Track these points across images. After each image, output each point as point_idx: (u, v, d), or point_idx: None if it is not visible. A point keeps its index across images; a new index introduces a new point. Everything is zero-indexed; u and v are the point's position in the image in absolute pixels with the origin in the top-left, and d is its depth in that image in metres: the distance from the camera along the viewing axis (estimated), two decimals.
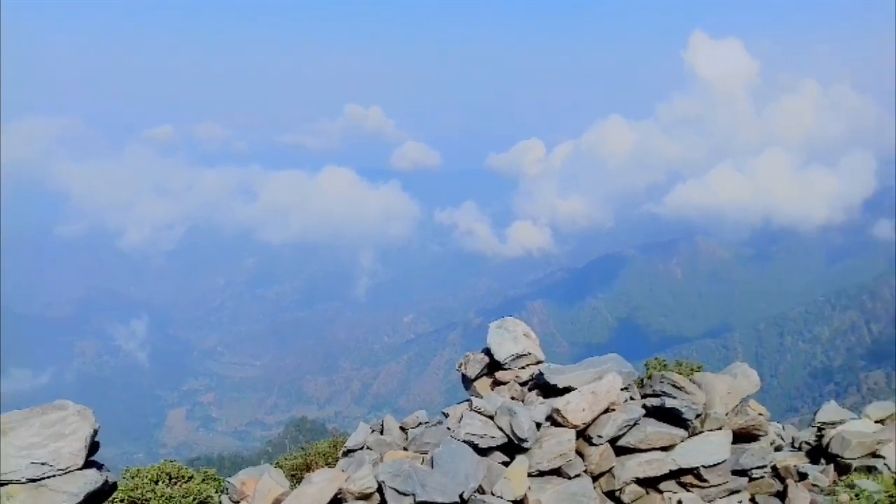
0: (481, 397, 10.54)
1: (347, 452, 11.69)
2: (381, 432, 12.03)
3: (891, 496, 9.78)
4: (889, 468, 10.86)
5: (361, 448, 11.33)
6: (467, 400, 10.65)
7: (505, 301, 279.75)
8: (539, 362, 11.36)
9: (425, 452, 9.96)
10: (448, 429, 9.75)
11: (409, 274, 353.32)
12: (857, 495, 9.98)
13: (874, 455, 11.44)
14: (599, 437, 9.22)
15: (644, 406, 9.62)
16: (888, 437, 11.44)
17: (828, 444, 11.92)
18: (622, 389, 9.86)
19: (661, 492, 9.54)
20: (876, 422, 12.69)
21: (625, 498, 9.38)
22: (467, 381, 11.89)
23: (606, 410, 9.43)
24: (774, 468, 11.14)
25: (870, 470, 11.14)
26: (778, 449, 13.08)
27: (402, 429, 11.96)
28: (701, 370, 14.40)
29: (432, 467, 9.11)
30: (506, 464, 9.41)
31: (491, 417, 9.52)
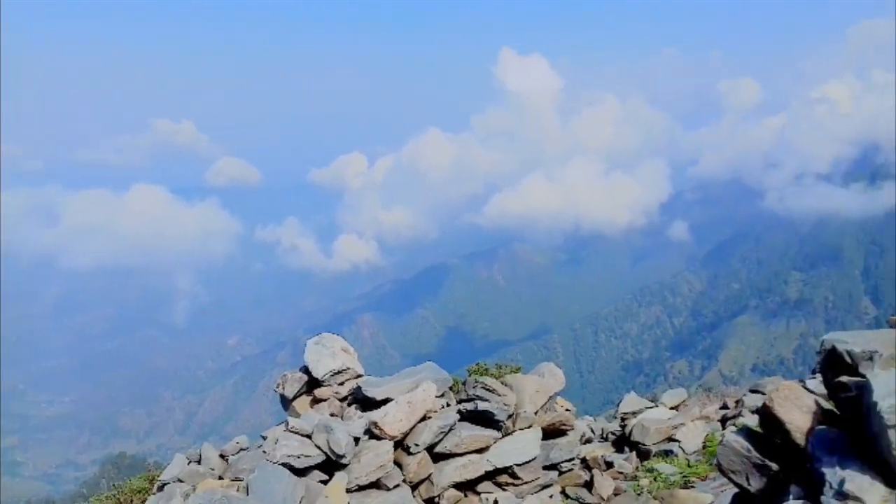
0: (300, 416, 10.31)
1: (162, 486, 10.98)
2: (199, 462, 11.42)
3: (684, 476, 10.68)
4: (683, 451, 11.86)
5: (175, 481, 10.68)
6: (285, 421, 10.39)
7: (334, 316, 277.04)
8: (359, 376, 11.30)
9: (241, 479, 9.58)
10: (264, 452, 9.45)
11: (232, 294, 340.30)
12: (655, 479, 10.80)
13: (670, 440, 12.45)
14: (417, 445, 9.33)
15: (459, 411, 9.86)
16: (681, 422, 12.48)
17: (630, 433, 12.82)
18: (438, 396, 10.04)
19: (478, 493, 9.80)
20: (671, 408, 13.81)
21: (444, 503, 9.54)
22: (286, 402, 11.59)
23: (423, 419, 9.55)
24: (584, 460, 11.81)
25: (667, 454, 12.11)
26: (588, 441, 13.88)
27: (223, 456, 11.41)
28: (519, 371, 14.99)
29: (248, 494, 8.78)
30: (326, 482, 9.27)
31: (308, 436, 9.35)
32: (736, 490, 4.76)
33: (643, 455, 12.37)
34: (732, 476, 4.62)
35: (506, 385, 10.37)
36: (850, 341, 4.55)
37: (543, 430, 10.31)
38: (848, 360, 4.52)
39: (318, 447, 9.12)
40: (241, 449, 11.44)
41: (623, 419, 13.82)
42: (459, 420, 9.80)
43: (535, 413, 10.23)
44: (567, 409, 10.78)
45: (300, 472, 9.10)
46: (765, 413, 4.44)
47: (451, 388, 11.21)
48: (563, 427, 10.50)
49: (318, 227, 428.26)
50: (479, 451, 9.66)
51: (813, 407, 4.31)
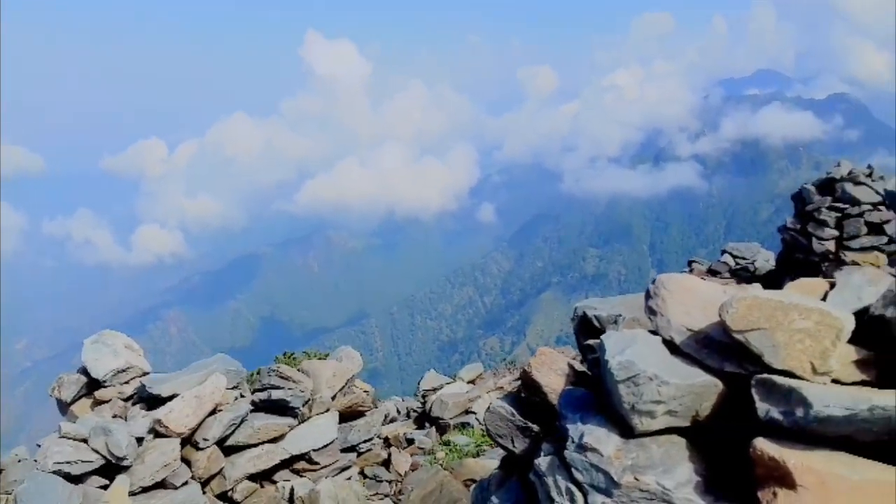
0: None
1: None
2: None
3: (478, 445, 11.14)
4: (479, 422, 12.36)
5: None
6: (59, 426, 9.57)
7: (137, 312, 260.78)
8: (145, 374, 10.64)
9: (10, 493, 8.72)
10: (35, 461, 8.67)
11: (19, 294, 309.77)
12: (450, 451, 11.17)
13: (467, 412, 12.93)
14: (206, 440, 8.95)
15: (253, 402, 9.59)
16: (477, 395, 12.98)
17: (430, 409, 13.15)
18: (231, 388, 9.70)
19: (274, 482, 9.62)
20: (468, 382, 14.33)
21: (237, 496, 9.26)
22: (63, 406, 10.68)
23: (213, 412, 9.20)
24: (386, 439, 11.97)
25: (464, 426, 12.57)
26: (392, 421, 14.07)
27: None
28: (327, 357, 14.87)
29: None
30: (108, 487, 8.66)
31: (85, 440, 8.67)
32: (504, 453, 4.97)
33: (442, 429, 12.76)
34: (500, 440, 4.81)
35: (302, 371, 10.23)
36: (598, 307, 4.88)
37: (342, 413, 10.28)
38: (597, 324, 4.84)
39: (97, 451, 8.49)
40: (20, 460, 10.43)
41: (424, 396, 14.16)
42: (254, 411, 9.53)
43: (333, 397, 10.18)
44: (365, 391, 10.83)
45: (76, 479, 8.43)
46: (525, 378, 4.67)
47: (250, 379, 10.89)
48: (361, 409, 10.54)
49: (115, 218, 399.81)
50: (275, 440, 9.45)
51: (566, 370, 4.59)
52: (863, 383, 3.47)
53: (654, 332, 3.90)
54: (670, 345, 3.79)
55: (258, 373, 10.29)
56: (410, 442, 12.17)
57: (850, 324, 3.39)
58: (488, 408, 4.88)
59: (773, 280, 17.36)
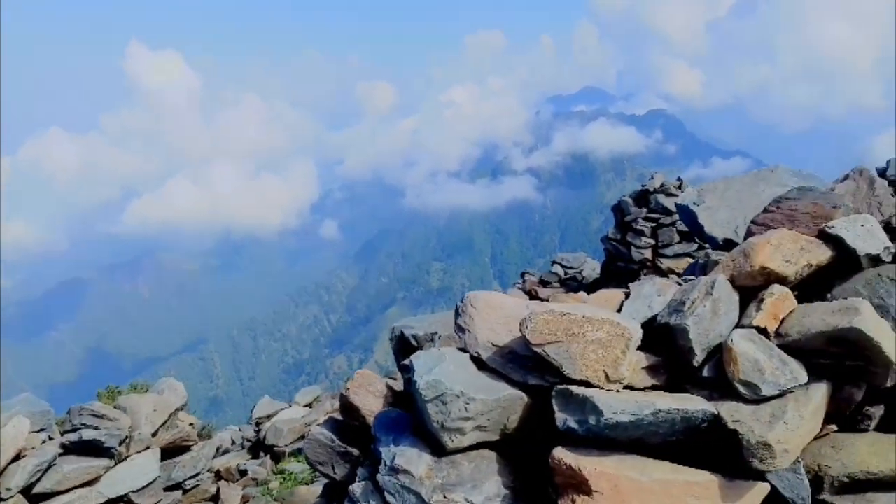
0: None
1: None
2: None
3: (313, 472, 10.87)
4: None
5: None
6: None
7: None
8: None
9: None
10: None
11: None
12: (284, 479, 10.84)
13: (304, 438, 12.59)
14: (8, 489, 8.12)
15: (63, 444, 8.83)
16: (315, 419, 12.70)
17: (265, 437, 12.71)
18: (37, 432, 8.88)
19: None
20: (305, 406, 14.00)
21: None
22: None
23: (17, 458, 8.37)
24: (218, 472, 11.41)
25: (300, 453, 12.24)
26: (226, 452, 13.46)
27: None
28: (147, 391, 13.94)
29: None
30: None
31: None
32: (326, 480, 4.86)
33: (277, 457, 12.37)
34: (320, 467, 4.69)
35: (119, 408, 9.54)
36: (415, 326, 4.89)
37: (165, 449, 9.68)
38: (414, 343, 4.84)
39: None
40: None
41: (258, 424, 13.67)
42: (64, 454, 8.77)
43: (154, 433, 9.57)
44: (191, 424, 10.28)
45: None
46: (343, 401, 4.59)
47: (61, 420, 10.01)
48: (186, 443, 9.98)
49: None
50: (89, 483, 8.74)
51: (384, 391, 4.56)
52: (653, 388, 3.69)
53: (464, 350, 3.96)
54: (478, 361, 3.85)
55: (68, 412, 9.48)
56: (244, 473, 11.68)
57: (637, 333, 3.59)
58: (308, 434, 4.75)
59: (598, 287, 18.27)
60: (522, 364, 3.72)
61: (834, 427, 3.56)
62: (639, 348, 3.72)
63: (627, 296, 4.37)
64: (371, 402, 4.56)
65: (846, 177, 4.28)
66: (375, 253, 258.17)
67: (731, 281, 3.75)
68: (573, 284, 18.67)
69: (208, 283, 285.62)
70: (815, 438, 3.51)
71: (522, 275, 19.64)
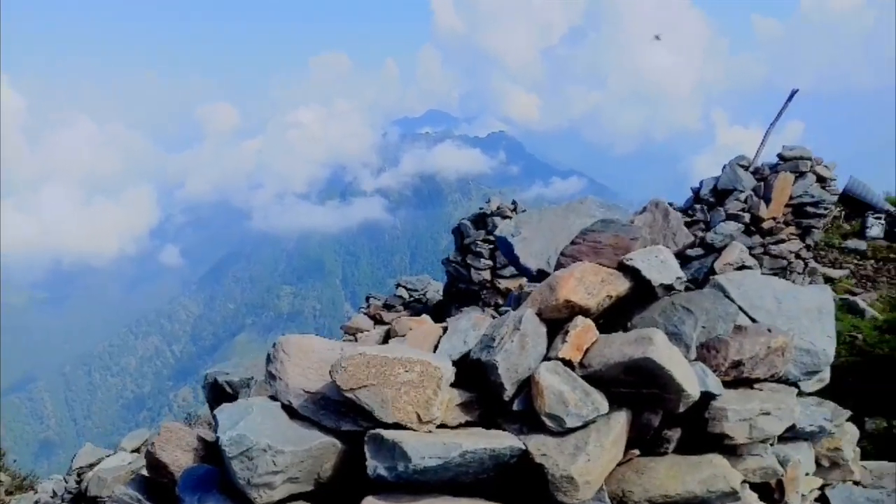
0: None
1: None
2: None
3: None
4: None
5: None
6: None
7: None
8: None
9: None
10: None
11: None
12: None
13: None
14: None
15: None
16: (143, 465, 11.91)
17: (87, 489, 11.80)
18: None
19: None
20: (132, 452, 13.14)
21: None
22: None
23: None
24: None
25: None
26: None
27: None
28: None
29: None
30: None
31: None
32: None
33: None
34: None
35: None
36: (230, 371, 4.66)
37: None
38: (229, 390, 4.61)
39: None
40: None
41: (79, 474, 12.68)
42: None
43: None
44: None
45: None
46: (150, 458, 4.29)
47: None
48: None
49: None
50: None
51: (196, 444, 4.30)
52: (467, 424, 3.70)
53: (275, 398, 3.80)
54: (290, 409, 3.71)
55: None
56: None
57: (449, 372, 3.58)
58: (111, 495, 4.39)
59: (442, 309, 18.53)
60: (336, 410, 3.62)
61: (637, 452, 3.71)
62: (454, 384, 3.72)
63: (446, 330, 4.38)
64: (181, 458, 4.28)
65: (644, 209, 4.55)
66: (221, 278, 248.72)
67: (539, 314, 3.84)
68: (418, 307, 18.79)
69: (37, 317, 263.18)
70: (619, 464, 3.64)
71: (367, 299, 19.55)
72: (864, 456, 7.72)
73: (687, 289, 4.10)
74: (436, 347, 4.16)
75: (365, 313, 18.15)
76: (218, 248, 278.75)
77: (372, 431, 3.38)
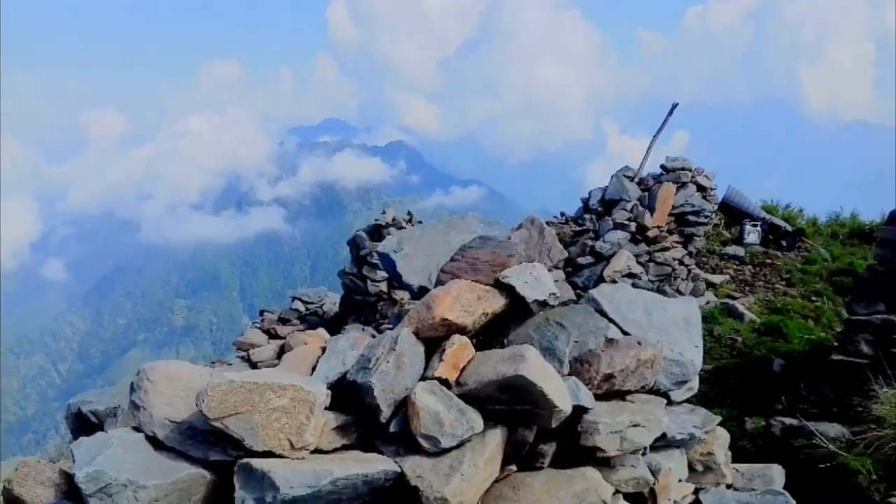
0: None
1: None
2: None
3: None
4: None
5: None
6: None
7: None
8: None
9: None
10: None
11: None
12: None
13: None
14: None
15: None
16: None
17: None
18: None
19: None
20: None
21: None
22: None
23: None
24: None
25: None
26: None
27: None
28: None
29: None
30: None
31: None
32: None
33: None
34: None
35: None
36: (94, 400, 4.41)
37: None
38: (94, 420, 4.37)
39: None
40: None
41: None
42: None
43: None
44: None
45: None
46: (7, 495, 4.01)
47: None
48: None
49: None
50: None
51: (57, 479, 4.05)
52: (344, 448, 3.63)
53: (139, 429, 3.61)
54: (154, 440, 3.54)
55: None
56: None
57: (323, 395, 3.51)
58: None
59: (339, 321, 18.31)
60: (204, 439, 3.47)
61: (513, 468, 3.74)
62: (331, 407, 3.65)
63: (324, 351, 4.29)
64: (41, 493, 4.01)
65: (520, 225, 4.62)
66: (110, 293, 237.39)
67: (416, 333, 3.82)
68: (314, 320, 18.50)
69: None
70: (496, 481, 3.66)
71: (261, 313, 19.10)
72: (745, 454, 8.10)
73: (564, 303, 4.18)
74: (314, 369, 4.07)
75: (259, 328, 17.69)
76: (105, 262, 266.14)
77: (241, 461, 3.26)
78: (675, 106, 17.19)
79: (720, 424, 9.96)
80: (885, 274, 10.04)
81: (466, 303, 3.85)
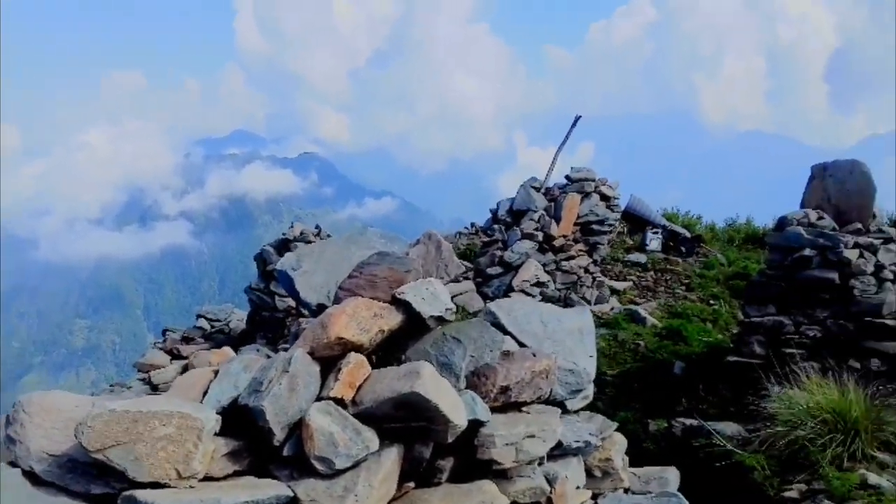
0: None
1: None
2: None
3: None
4: None
5: None
6: None
7: None
8: None
9: None
10: None
11: None
12: None
13: None
14: None
15: None
16: None
17: None
18: None
19: None
20: None
21: None
22: None
23: None
24: None
25: None
26: None
27: None
28: None
29: None
30: None
31: None
32: None
33: None
34: None
35: None
36: None
37: None
38: None
39: None
40: None
41: None
42: None
43: None
44: None
45: None
46: None
47: None
48: None
49: None
50: None
51: None
52: (236, 474, 3.53)
53: (15, 464, 3.41)
54: (32, 475, 3.35)
55: None
56: None
57: (212, 421, 3.40)
58: None
59: (247, 338, 17.91)
60: (85, 472, 3.31)
61: (412, 485, 3.72)
62: (222, 433, 3.54)
63: (216, 374, 4.17)
64: None
65: (418, 241, 4.64)
66: (3, 315, 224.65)
67: (312, 353, 3.76)
68: (220, 338, 18.02)
69: None
70: (394, 499, 3.64)
71: (164, 332, 18.46)
72: (649, 456, 8.31)
73: (475, 313, 4.21)
74: (206, 393, 3.95)
75: (161, 348, 17.09)
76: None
77: (126, 493, 3.13)
78: (577, 118, 17.65)
79: (624, 428, 10.23)
80: (775, 277, 10.56)
81: (363, 320, 3.82)
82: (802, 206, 10.84)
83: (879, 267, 9.90)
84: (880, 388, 7.94)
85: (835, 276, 9.80)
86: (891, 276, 9.97)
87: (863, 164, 10.62)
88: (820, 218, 10.37)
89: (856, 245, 9.89)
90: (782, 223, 10.62)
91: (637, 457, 7.61)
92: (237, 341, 17.38)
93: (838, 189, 10.55)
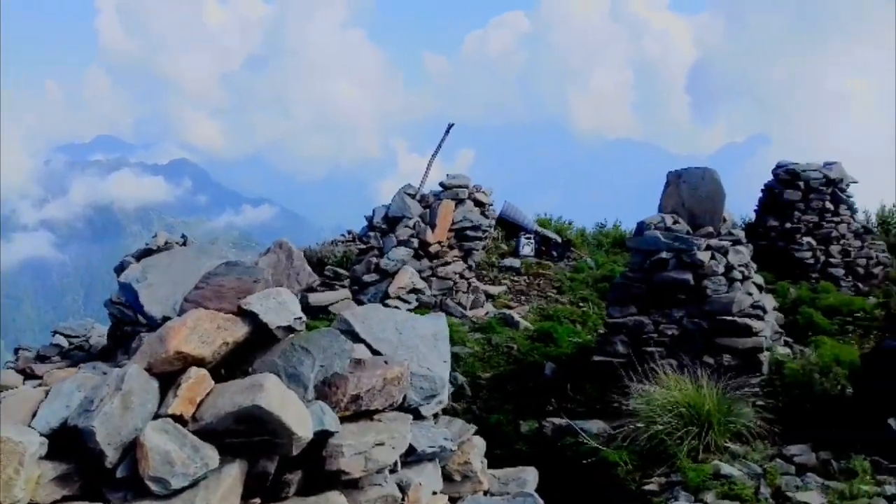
0: None
1: None
2: None
3: None
4: None
5: None
6: None
7: None
8: None
9: None
10: None
11: None
12: None
13: None
14: None
15: None
16: None
17: None
18: None
19: None
20: None
21: None
22: None
23: None
24: None
25: None
26: None
27: None
28: None
29: None
30: None
31: None
32: None
33: None
34: None
35: None
36: None
37: None
38: None
39: None
40: None
41: None
42: None
43: None
44: None
45: None
46: None
47: None
48: None
49: None
50: None
51: None
52: (65, 499, 3.31)
53: None
54: None
55: None
56: None
57: (35, 445, 3.19)
58: None
59: (109, 354, 16.98)
60: None
61: (258, 500, 3.61)
62: (49, 456, 3.32)
63: (48, 394, 3.91)
64: None
65: (269, 250, 4.53)
66: None
67: (150, 368, 3.59)
68: (79, 355, 16.98)
69: None
70: None
71: (16, 351, 17.23)
72: (520, 456, 8.46)
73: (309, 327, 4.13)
74: (35, 414, 3.68)
75: (13, 368, 15.90)
76: None
77: None
78: (450, 126, 17.85)
79: (498, 430, 10.40)
80: (636, 279, 11.06)
81: (205, 333, 3.68)
82: (660, 210, 11.37)
83: (729, 268, 10.54)
84: (731, 381, 8.43)
85: (689, 277, 10.35)
86: (740, 276, 10.65)
87: (714, 171, 11.26)
88: (675, 222, 10.92)
89: (708, 247, 10.50)
90: (641, 228, 11.13)
91: (510, 458, 7.74)
92: (98, 358, 16.43)
93: (691, 194, 11.14)
